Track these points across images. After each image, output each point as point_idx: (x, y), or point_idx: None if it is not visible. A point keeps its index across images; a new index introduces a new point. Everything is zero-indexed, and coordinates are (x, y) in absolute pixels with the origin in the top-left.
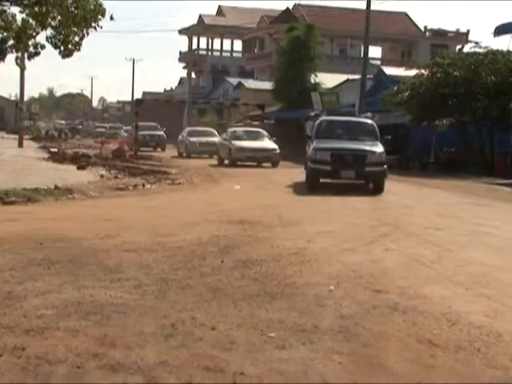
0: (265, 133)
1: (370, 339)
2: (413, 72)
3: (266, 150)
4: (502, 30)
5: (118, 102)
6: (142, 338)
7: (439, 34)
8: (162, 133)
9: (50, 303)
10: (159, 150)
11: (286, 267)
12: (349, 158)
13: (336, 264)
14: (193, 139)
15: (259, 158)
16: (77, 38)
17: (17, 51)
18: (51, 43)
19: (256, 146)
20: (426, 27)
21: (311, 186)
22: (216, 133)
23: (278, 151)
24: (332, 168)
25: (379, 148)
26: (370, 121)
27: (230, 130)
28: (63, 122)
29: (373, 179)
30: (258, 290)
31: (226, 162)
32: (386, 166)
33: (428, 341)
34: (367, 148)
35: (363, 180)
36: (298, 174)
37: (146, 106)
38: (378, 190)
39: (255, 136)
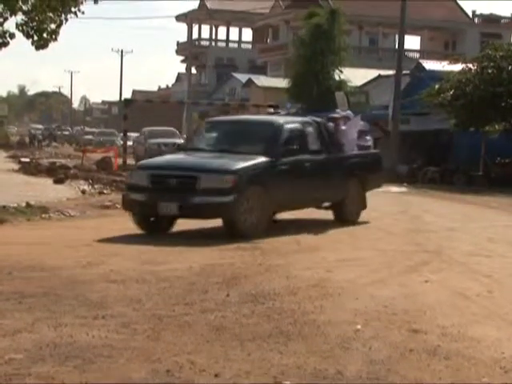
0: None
1: None
2: (458, 67)
3: None
4: None
5: (103, 103)
6: None
7: (490, 20)
8: (181, 141)
9: (20, 345)
10: None
11: (304, 302)
12: (172, 183)
13: (364, 298)
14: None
15: None
16: (53, 26)
17: None
18: (22, 31)
19: None
20: (474, 12)
21: (140, 226)
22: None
23: None
24: (147, 198)
25: (246, 163)
26: (280, 119)
27: None
28: (40, 126)
29: (212, 215)
30: (271, 330)
31: None
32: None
33: None
34: (217, 166)
35: (190, 217)
36: None
37: (137, 108)
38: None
39: None
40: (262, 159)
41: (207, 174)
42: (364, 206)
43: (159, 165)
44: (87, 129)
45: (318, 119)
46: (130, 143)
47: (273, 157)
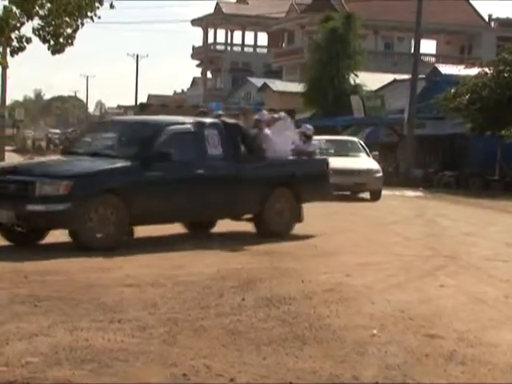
0: (359, 142)
1: None
2: (474, 71)
3: (361, 172)
4: None
5: (119, 107)
6: None
7: (507, 24)
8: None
9: (36, 349)
10: None
11: (320, 306)
12: (10, 188)
13: (380, 303)
14: None
15: (351, 186)
16: (69, 30)
17: None
18: (39, 36)
19: (347, 165)
20: (490, 16)
21: (4, 237)
22: None
23: (380, 174)
24: None
25: (98, 167)
26: (166, 120)
27: None
28: (58, 130)
29: (50, 224)
30: (286, 334)
31: None
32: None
33: None
34: (54, 170)
35: (29, 226)
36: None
37: (153, 112)
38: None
39: (344, 148)
40: (123, 164)
41: (43, 179)
42: (298, 219)
43: (4, 168)
44: None
45: (234, 122)
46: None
47: (141, 161)
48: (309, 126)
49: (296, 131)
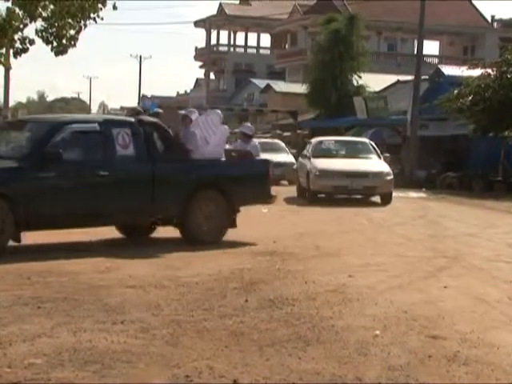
0: (370, 144)
1: None
2: (477, 72)
3: (371, 174)
4: None
5: (122, 109)
6: None
7: (510, 25)
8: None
9: (39, 350)
10: None
11: (323, 307)
12: None
13: (383, 304)
14: None
15: (360, 190)
16: (72, 32)
17: (0, 47)
18: (42, 38)
19: (356, 168)
20: (493, 17)
21: None
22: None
23: (391, 177)
24: None
25: None
26: (63, 119)
27: (316, 140)
28: None
29: None
30: (289, 335)
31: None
32: None
33: None
34: None
35: None
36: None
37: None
38: None
39: (354, 150)
40: (11, 165)
41: None
42: (230, 224)
43: None
44: None
45: (153, 121)
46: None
47: (31, 162)
48: (249, 125)
49: (236, 130)
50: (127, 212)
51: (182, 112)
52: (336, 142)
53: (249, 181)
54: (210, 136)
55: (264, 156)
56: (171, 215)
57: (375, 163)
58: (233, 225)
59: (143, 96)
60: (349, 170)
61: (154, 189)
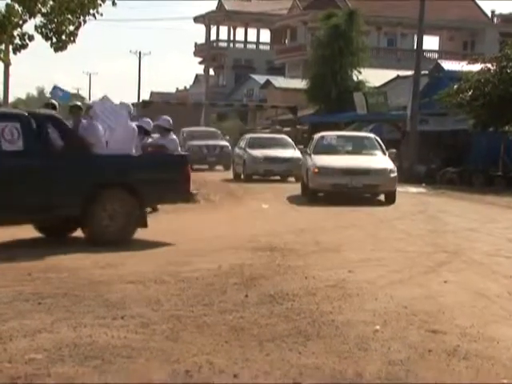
0: (375, 139)
1: None
2: (477, 67)
3: (373, 172)
4: None
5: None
6: None
7: (509, 20)
8: (225, 143)
9: (40, 345)
10: (220, 167)
11: (323, 302)
12: None
13: (383, 299)
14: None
15: (360, 188)
16: (72, 28)
17: (0, 43)
18: (41, 33)
19: (356, 164)
20: (493, 12)
21: None
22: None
23: (395, 174)
24: None
25: None
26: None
27: (318, 136)
28: None
29: None
30: (289, 330)
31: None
32: None
33: None
34: None
35: None
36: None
37: (155, 109)
38: None
39: (358, 145)
40: None
41: None
42: (141, 223)
43: None
44: None
45: (48, 114)
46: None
47: None
48: (165, 118)
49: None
50: (19, 210)
51: (87, 103)
52: (339, 137)
53: (161, 178)
54: (112, 122)
55: (270, 152)
56: (71, 213)
57: (379, 160)
58: (143, 224)
59: (55, 87)
60: (348, 167)
61: (47, 186)
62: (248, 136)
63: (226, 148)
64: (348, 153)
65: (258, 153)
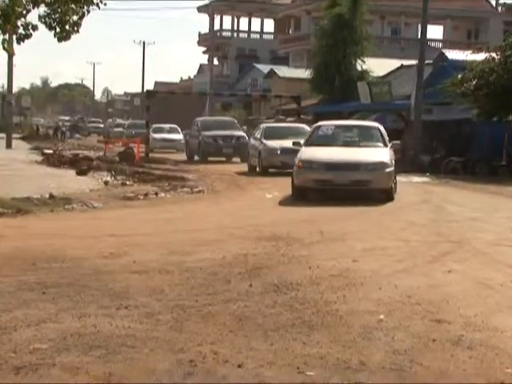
0: (378, 129)
1: (428, 379)
2: (481, 56)
3: (363, 166)
4: None
5: (126, 94)
6: (154, 377)
7: None
8: (242, 133)
9: (44, 335)
10: (237, 159)
11: (327, 292)
12: None
13: (387, 288)
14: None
15: (347, 184)
16: (75, 17)
17: (4, 33)
18: (45, 23)
19: (343, 158)
20: (497, 1)
21: None
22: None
23: (390, 169)
24: None
25: None
26: None
27: (314, 125)
28: (67, 117)
29: None
30: (294, 320)
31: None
32: None
33: (500, 382)
34: None
35: None
36: None
37: (159, 99)
38: None
39: (356, 136)
40: None
41: None
42: None
43: None
44: (119, 120)
45: None
46: (177, 136)
47: None
48: None
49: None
50: None
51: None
52: (337, 127)
53: None
54: None
55: (288, 142)
56: None
57: (375, 152)
58: None
59: None
60: (333, 161)
61: None
62: (264, 126)
63: (243, 139)
64: (344, 144)
65: (275, 144)
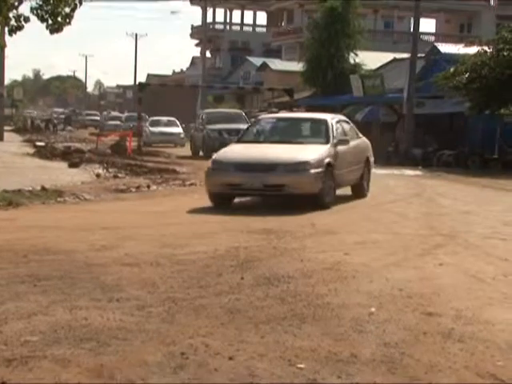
0: (326, 124)
1: (418, 372)
2: (473, 49)
3: (280, 167)
4: None
5: (118, 87)
6: (145, 369)
7: (506, 2)
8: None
9: (35, 327)
10: None
11: (319, 285)
12: None
13: (378, 281)
14: (213, 127)
15: (258, 190)
16: (67, 9)
17: None
18: (37, 15)
19: (255, 157)
20: None
21: None
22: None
23: (317, 170)
24: None
25: None
26: None
27: (254, 120)
28: (61, 110)
29: None
30: (285, 312)
31: None
32: None
33: (491, 375)
34: None
35: None
36: None
37: (152, 92)
38: None
39: (293, 131)
40: None
41: None
42: None
43: None
44: (114, 113)
45: None
46: (176, 130)
47: None
48: None
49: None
50: None
51: None
52: (279, 120)
53: None
54: None
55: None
56: None
57: (305, 150)
58: None
59: None
60: (245, 161)
61: None
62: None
63: None
64: (279, 141)
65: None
